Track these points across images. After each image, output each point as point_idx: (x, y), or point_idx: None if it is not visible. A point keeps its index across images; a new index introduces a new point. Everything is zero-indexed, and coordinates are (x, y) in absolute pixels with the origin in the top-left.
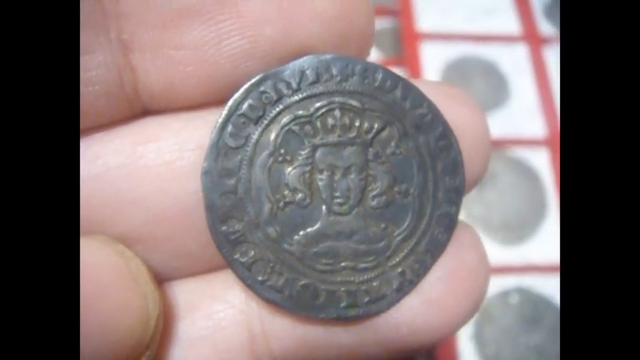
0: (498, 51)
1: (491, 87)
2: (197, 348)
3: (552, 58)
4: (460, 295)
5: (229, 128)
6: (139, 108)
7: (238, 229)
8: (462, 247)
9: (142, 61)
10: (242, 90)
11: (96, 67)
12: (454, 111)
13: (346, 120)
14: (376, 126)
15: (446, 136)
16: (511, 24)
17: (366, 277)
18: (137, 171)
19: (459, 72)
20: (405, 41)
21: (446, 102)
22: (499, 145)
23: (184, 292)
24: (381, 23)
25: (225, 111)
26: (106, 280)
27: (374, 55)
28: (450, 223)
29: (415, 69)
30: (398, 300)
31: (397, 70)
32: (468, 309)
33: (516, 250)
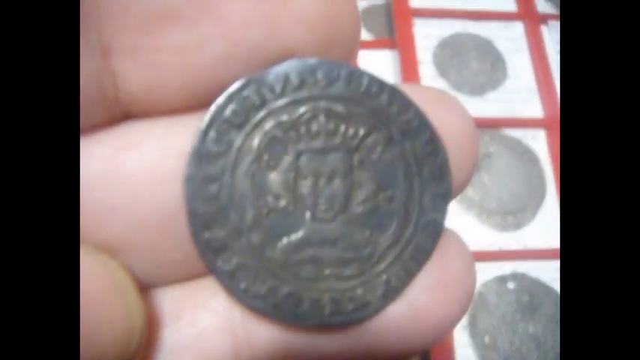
0: (494, 29)
1: (487, 66)
2: (181, 356)
3: (550, 36)
4: (446, 303)
5: (212, 134)
6: (119, 113)
7: (221, 236)
8: (448, 254)
9: (121, 64)
10: (225, 95)
11: None
12: (441, 116)
13: (331, 126)
14: (361, 132)
15: (432, 142)
16: (507, 1)
17: (350, 284)
18: (118, 178)
19: (453, 51)
20: (397, 19)
21: (433, 107)
22: (495, 125)
23: (167, 300)
24: (372, 1)
25: (207, 116)
26: (89, 291)
27: (364, 36)
28: (435, 231)
29: (408, 48)
30: (383, 307)
31: (389, 51)
32: (453, 317)
33: (513, 235)
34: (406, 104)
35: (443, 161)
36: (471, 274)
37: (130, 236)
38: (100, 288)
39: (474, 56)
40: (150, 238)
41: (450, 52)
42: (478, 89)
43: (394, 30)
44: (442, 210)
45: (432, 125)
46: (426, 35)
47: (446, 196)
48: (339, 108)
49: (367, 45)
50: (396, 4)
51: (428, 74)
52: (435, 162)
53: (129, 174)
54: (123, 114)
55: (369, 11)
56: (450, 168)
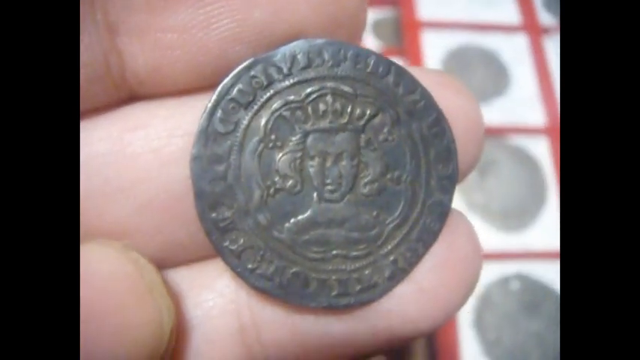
0: (499, 40)
1: (492, 76)
2: (186, 337)
3: (552, 48)
4: (452, 284)
5: (219, 113)
6: (125, 93)
7: (228, 216)
8: (454, 235)
9: (128, 44)
10: (232, 74)
11: (81, 51)
12: (447, 98)
13: (338, 106)
14: (368, 112)
15: (439, 123)
16: (511, 14)
17: (357, 265)
18: (124, 159)
19: (459, 61)
20: (406, 30)
21: (439, 89)
22: (499, 133)
23: (173, 282)
24: (382, 13)
25: (214, 96)
26: (120, 292)
27: (375, 45)
28: (442, 212)
29: (416, 58)
30: (390, 289)
31: (398, 60)
32: (459, 298)
33: (516, 237)
34: (413, 85)
35: (449, 142)
36: (478, 255)
37: (137, 218)
38: (130, 288)
39: (479, 66)
40: (156, 219)
41: (457, 62)
42: (483, 98)
43: (402, 40)
44: (449, 191)
45: (438, 106)
46: (434, 46)
47: (452, 178)
48: (346, 88)
49: None
50: (404, 16)
51: None
52: (441, 143)
53: (135, 154)
54: (129, 95)
55: (379, 22)
56: (456, 149)
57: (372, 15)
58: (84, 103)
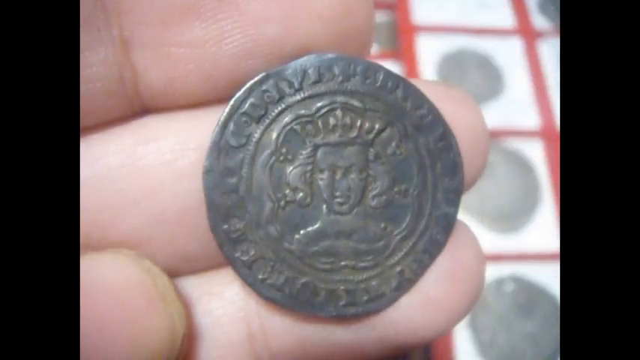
0: (493, 44)
1: (487, 79)
2: (196, 344)
3: (546, 51)
4: (457, 294)
5: (231, 127)
6: (139, 106)
7: (239, 227)
8: (459, 247)
9: (142, 58)
10: (244, 89)
11: (96, 64)
12: (454, 112)
13: (347, 120)
14: (377, 126)
15: (446, 137)
16: (506, 18)
17: (365, 275)
18: (137, 171)
19: (454, 64)
20: (402, 34)
21: (446, 103)
22: (494, 136)
23: (183, 289)
24: (378, 16)
25: (227, 109)
26: (133, 300)
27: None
28: (448, 224)
29: (411, 62)
30: (396, 299)
31: (394, 63)
32: (464, 308)
33: (511, 239)
34: (420, 100)
35: (455, 156)
36: (482, 266)
37: (150, 229)
38: (143, 296)
39: (474, 70)
40: (169, 231)
41: (452, 66)
42: (478, 101)
43: (398, 43)
44: (454, 204)
45: (445, 121)
46: (429, 50)
47: (458, 191)
48: (355, 103)
49: (372, 57)
50: (400, 20)
51: None
52: (447, 157)
53: (148, 167)
54: (142, 108)
55: (376, 27)
56: (463, 163)
57: None
58: (98, 116)
